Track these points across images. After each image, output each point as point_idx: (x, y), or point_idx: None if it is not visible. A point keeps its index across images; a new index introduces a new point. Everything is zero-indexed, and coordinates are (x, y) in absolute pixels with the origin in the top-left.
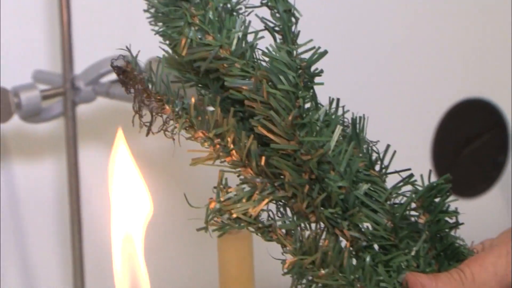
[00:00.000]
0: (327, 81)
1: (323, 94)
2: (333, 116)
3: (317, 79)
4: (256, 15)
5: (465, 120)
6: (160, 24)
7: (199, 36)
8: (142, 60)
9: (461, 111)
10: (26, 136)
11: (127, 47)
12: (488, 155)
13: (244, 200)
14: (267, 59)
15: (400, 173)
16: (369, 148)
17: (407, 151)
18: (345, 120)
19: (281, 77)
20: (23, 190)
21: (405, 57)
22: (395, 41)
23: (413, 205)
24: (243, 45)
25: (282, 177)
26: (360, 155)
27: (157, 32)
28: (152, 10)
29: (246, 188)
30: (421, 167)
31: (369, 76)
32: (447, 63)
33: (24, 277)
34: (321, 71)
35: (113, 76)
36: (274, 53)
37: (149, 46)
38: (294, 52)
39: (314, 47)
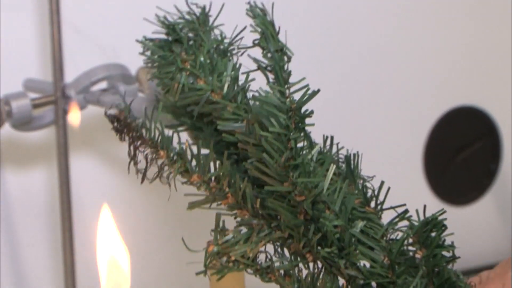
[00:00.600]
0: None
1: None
2: (328, 154)
3: (308, 120)
4: (249, 55)
5: (457, 128)
6: (155, 68)
7: (191, 81)
8: (132, 70)
9: (452, 119)
10: (17, 144)
11: (120, 94)
12: (480, 162)
13: (241, 242)
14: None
15: (396, 209)
16: (364, 184)
17: (399, 159)
18: (340, 156)
19: (272, 120)
20: (14, 198)
21: (396, 64)
22: (385, 49)
23: (410, 240)
24: (235, 88)
25: (278, 218)
26: (356, 192)
27: (152, 76)
28: (148, 53)
29: (243, 230)
30: (413, 175)
31: (360, 83)
32: (438, 71)
33: (16, 284)
34: (312, 111)
35: (103, 84)
36: (263, 95)
37: (139, 55)
38: (287, 92)
39: (306, 86)
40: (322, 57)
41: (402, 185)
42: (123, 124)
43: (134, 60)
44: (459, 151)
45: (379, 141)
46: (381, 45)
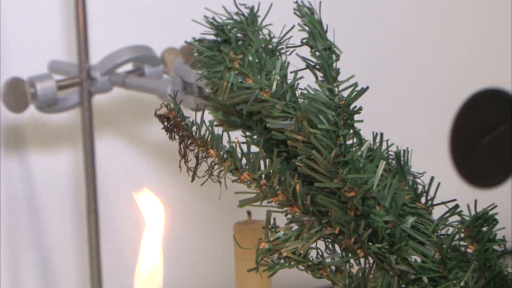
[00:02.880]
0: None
1: None
2: (378, 151)
3: (356, 117)
4: (297, 54)
5: (483, 111)
6: (203, 68)
7: (239, 80)
8: (158, 51)
9: (478, 102)
10: (42, 126)
11: (170, 95)
12: (506, 145)
13: (292, 239)
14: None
15: (446, 204)
16: (414, 180)
17: (425, 142)
18: (390, 153)
19: (321, 117)
20: (39, 181)
21: (421, 47)
22: (411, 33)
23: (461, 235)
24: (283, 86)
25: (328, 214)
26: (406, 188)
27: (201, 76)
28: (197, 54)
29: (294, 227)
30: (439, 158)
31: (386, 67)
32: (463, 53)
33: (40, 266)
34: (360, 108)
35: (129, 66)
36: (312, 93)
37: (164, 37)
38: (336, 89)
39: (354, 84)
40: (352, 44)
41: (428, 168)
42: (173, 123)
43: (160, 42)
44: (485, 134)
45: (406, 125)
46: (406, 29)
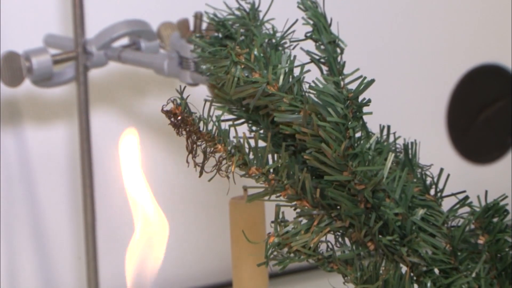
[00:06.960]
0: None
1: None
2: (385, 144)
3: (365, 109)
4: (301, 48)
5: (480, 86)
6: (207, 64)
7: (246, 74)
8: (154, 26)
9: (476, 77)
10: (38, 100)
11: (177, 90)
12: (503, 121)
13: (302, 233)
14: (314, 92)
15: (456, 196)
16: (423, 172)
17: (422, 117)
18: (397, 146)
19: (330, 110)
20: (35, 155)
21: (417, 22)
22: (407, 5)
23: (472, 226)
24: (290, 79)
25: (338, 207)
26: (415, 180)
27: (205, 72)
28: (199, 50)
29: (303, 220)
30: (436, 134)
31: (383, 42)
32: (461, 28)
33: (35, 241)
34: (369, 100)
35: (125, 40)
36: (320, 86)
37: (161, 11)
38: (342, 83)
39: (361, 76)
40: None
41: (425, 144)
42: (180, 119)
43: (156, 16)
44: (482, 110)
45: (403, 101)
46: (397, 7)
